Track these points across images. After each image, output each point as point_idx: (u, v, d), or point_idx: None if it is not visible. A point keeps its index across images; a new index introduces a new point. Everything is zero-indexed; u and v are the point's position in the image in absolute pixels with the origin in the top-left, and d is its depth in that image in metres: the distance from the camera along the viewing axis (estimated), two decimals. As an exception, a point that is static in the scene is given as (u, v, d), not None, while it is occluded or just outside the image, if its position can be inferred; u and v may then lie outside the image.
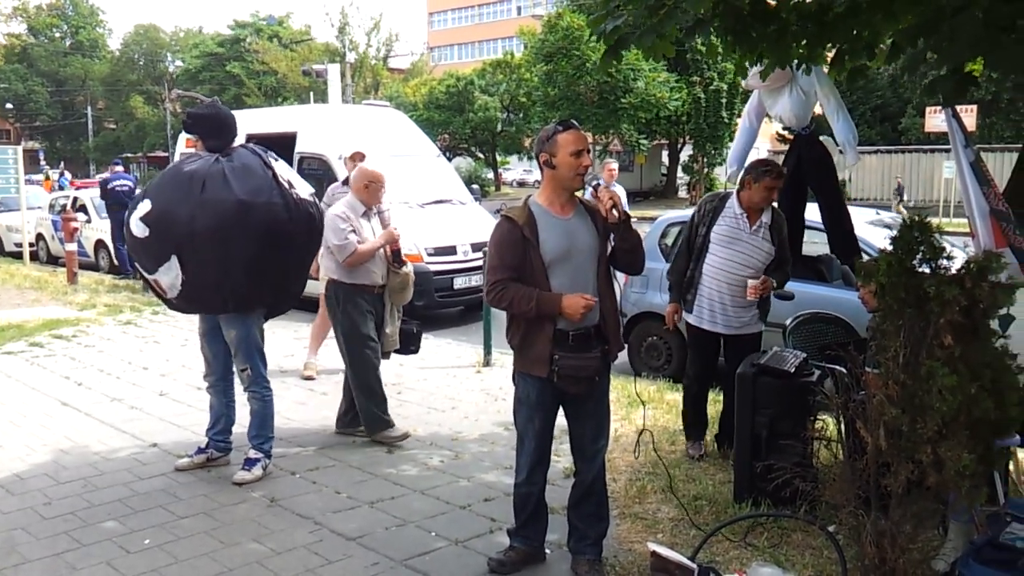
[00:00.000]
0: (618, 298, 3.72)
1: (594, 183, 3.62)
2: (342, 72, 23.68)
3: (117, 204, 13.25)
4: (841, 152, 5.43)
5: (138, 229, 4.34)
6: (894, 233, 3.32)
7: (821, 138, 5.51)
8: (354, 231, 5.33)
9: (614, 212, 3.48)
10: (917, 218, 3.26)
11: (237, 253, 4.43)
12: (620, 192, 9.67)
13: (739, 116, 34.68)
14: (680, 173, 38.55)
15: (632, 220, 3.70)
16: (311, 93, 43.41)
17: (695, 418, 5.34)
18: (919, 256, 3.22)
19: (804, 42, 3.99)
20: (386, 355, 5.65)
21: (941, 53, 3.55)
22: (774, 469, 3.86)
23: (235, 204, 4.37)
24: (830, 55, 4.29)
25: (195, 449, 4.99)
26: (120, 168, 14.87)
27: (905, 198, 27.38)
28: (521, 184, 50.70)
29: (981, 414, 3.03)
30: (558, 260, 3.51)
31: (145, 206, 4.36)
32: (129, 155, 63.80)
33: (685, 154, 37.48)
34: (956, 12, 3.55)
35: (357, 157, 7.37)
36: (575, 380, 3.52)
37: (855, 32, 3.89)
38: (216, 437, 4.97)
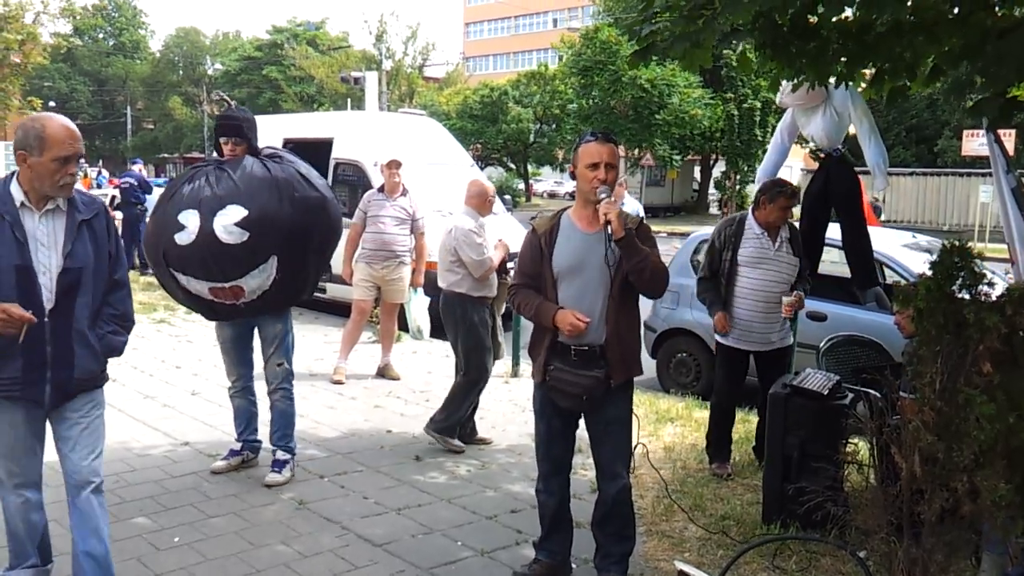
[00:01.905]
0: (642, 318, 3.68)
1: (601, 196, 3.45)
2: (379, 80, 23.88)
3: (124, 201, 13.63)
4: (870, 175, 5.44)
5: (232, 235, 4.26)
6: (933, 258, 3.29)
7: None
8: (485, 246, 5.45)
9: (609, 228, 3.38)
10: (958, 243, 3.23)
11: (321, 249, 4.72)
12: (633, 207, 9.54)
13: (772, 133, 34.43)
14: (712, 189, 38.39)
15: (655, 235, 3.65)
16: (348, 100, 43.89)
17: (720, 438, 5.33)
18: (959, 282, 3.20)
19: (844, 60, 3.96)
20: (499, 356, 5.83)
21: (987, 76, 3.52)
22: (805, 492, 3.84)
23: (320, 201, 4.62)
24: (869, 74, 4.26)
25: (228, 452, 5.02)
26: (136, 167, 15.13)
27: (884, 217, 26.85)
28: (552, 195, 50.75)
29: (1019, 444, 2.99)
30: (567, 274, 3.52)
31: (238, 211, 4.28)
32: (166, 155, 64.82)
33: (718, 170, 37.34)
34: (1002, 34, 3.52)
35: (393, 165, 7.42)
36: (563, 394, 3.53)
37: (896, 52, 3.86)
38: (250, 438, 5.02)
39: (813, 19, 3.74)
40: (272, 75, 54.39)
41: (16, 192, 2.98)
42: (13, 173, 3.03)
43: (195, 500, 4.46)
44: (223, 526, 4.15)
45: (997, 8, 3.78)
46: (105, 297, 3.17)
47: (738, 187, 35.12)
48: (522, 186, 45.53)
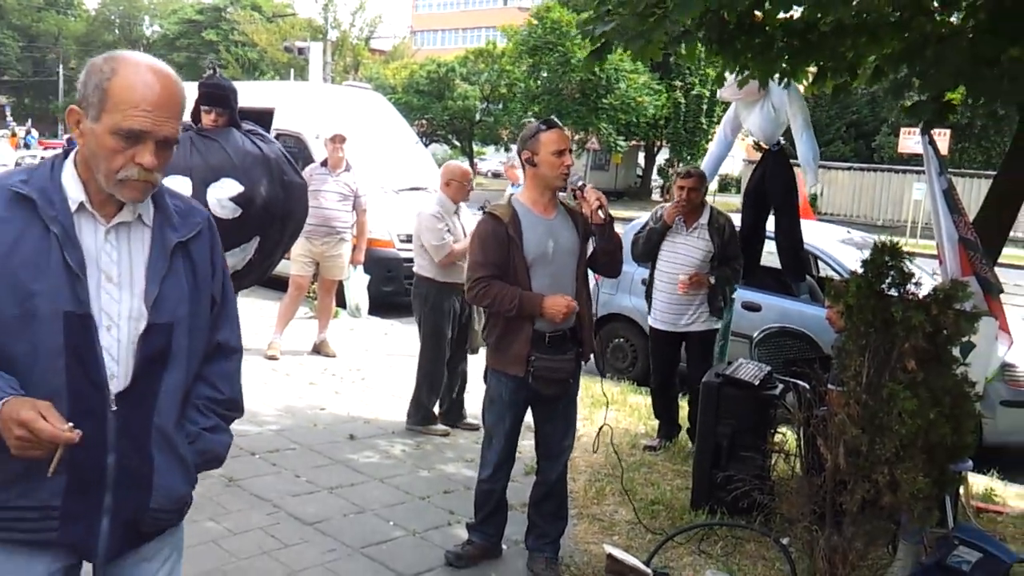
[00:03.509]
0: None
1: (579, 184, 3.59)
2: (324, 50, 23.45)
3: None
4: (803, 172, 5.59)
5: (225, 210, 4.09)
6: (865, 256, 3.38)
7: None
8: (449, 230, 5.35)
9: (600, 213, 3.47)
10: (889, 242, 3.32)
11: (294, 235, 4.65)
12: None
13: (717, 123, 34.93)
14: (655, 175, 38.76)
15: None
16: (291, 70, 43.01)
17: (659, 415, 5.66)
18: (888, 280, 3.29)
19: (788, 58, 4.04)
20: (474, 351, 5.61)
21: (925, 79, 3.62)
22: (733, 479, 3.93)
23: (303, 188, 4.55)
24: (812, 71, 4.34)
25: None
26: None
27: (819, 210, 27.64)
28: (496, 175, 50.63)
29: (938, 439, 3.11)
30: (540, 260, 3.51)
31: (234, 186, 4.13)
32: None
33: (662, 157, 37.69)
34: (940, 40, 3.61)
35: (338, 139, 7.32)
36: (549, 382, 3.53)
37: (839, 52, 3.94)
38: None
39: (759, 15, 3.79)
40: (212, 39, 52.98)
41: (71, 185, 1.74)
42: (66, 152, 1.82)
43: (121, 475, 4.36)
44: (149, 503, 4.06)
45: (937, 15, 3.88)
46: (203, 369, 1.91)
47: (680, 174, 35.55)
48: (467, 165, 45.33)
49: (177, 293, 1.81)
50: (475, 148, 46.48)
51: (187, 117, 4.71)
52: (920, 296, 3.21)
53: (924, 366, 3.16)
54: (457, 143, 45.13)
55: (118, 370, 1.73)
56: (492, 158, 54.42)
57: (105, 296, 1.72)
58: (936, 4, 3.86)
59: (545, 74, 32.24)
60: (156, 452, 1.79)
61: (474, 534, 3.79)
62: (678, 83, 32.90)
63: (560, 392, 3.61)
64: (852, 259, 6.86)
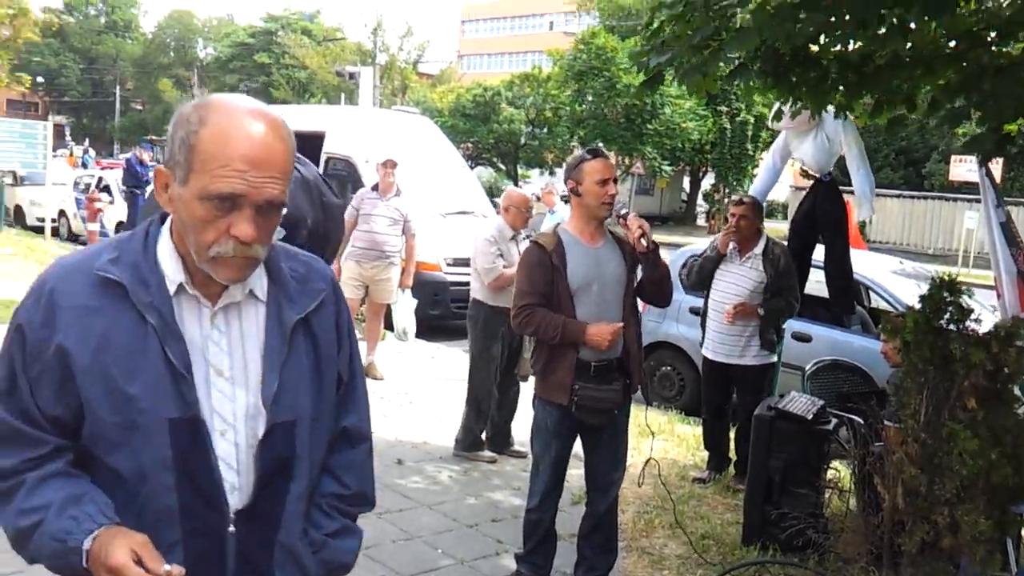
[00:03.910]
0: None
1: (623, 211, 3.59)
2: (373, 75, 23.84)
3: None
4: (857, 204, 5.53)
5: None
6: (922, 290, 3.34)
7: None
8: (501, 255, 5.41)
9: (643, 241, 3.46)
10: (947, 278, 3.28)
11: (332, 253, 4.64)
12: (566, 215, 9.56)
13: (764, 149, 34.79)
14: (700, 200, 38.55)
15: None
16: (341, 93, 43.70)
17: (709, 447, 5.59)
18: (947, 316, 3.24)
19: (843, 90, 4.01)
20: (524, 378, 5.60)
21: (984, 111, 3.58)
22: (786, 516, 3.88)
23: (341, 208, 4.62)
24: (868, 103, 4.31)
25: None
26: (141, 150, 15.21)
27: (869, 238, 27.19)
28: (538, 199, 50.77)
29: (1000, 480, 3.04)
30: (584, 289, 3.51)
31: None
32: (154, 137, 64.31)
33: (707, 182, 37.50)
34: (999, 71, 3.57)
35: (389, 165, 7.41)
36: (593, 411, 3.51)
37: (895, 84, 3.91)
38: None
39: (814, 48, 3.78)
40: (264, 61, 54.15)
41: (168, 262, 1.45)
42: (156, 220, 1.51)
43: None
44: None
45: (994, 45, 3.84)
46: (327, 459, 1.63)
47: (726, 200, 35.29)
48: (511, 187, 45.53)
49: (299, 382, 1.50)
50: (520, 171, 46.69)
51: None
52: (980, 332, 3.16)
53: (984, 405, 3.10)
54: (502, 166, 45.38)
55: (239, 481, 1.46)
56: (536, 181, 54.59)
57: (216, 395, 1.44)
58: (993, 35, 3.81)
59: (590, 98, 32.35)
60: (278, 572, 1.52)
61: (523, 565, 3.78)
62: (724, 108, 32.76)
63: (604, 422, 3.57)
64: (905, 290, 6.76)
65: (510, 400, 5.64)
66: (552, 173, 48.81)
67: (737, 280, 5.25)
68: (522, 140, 41.86)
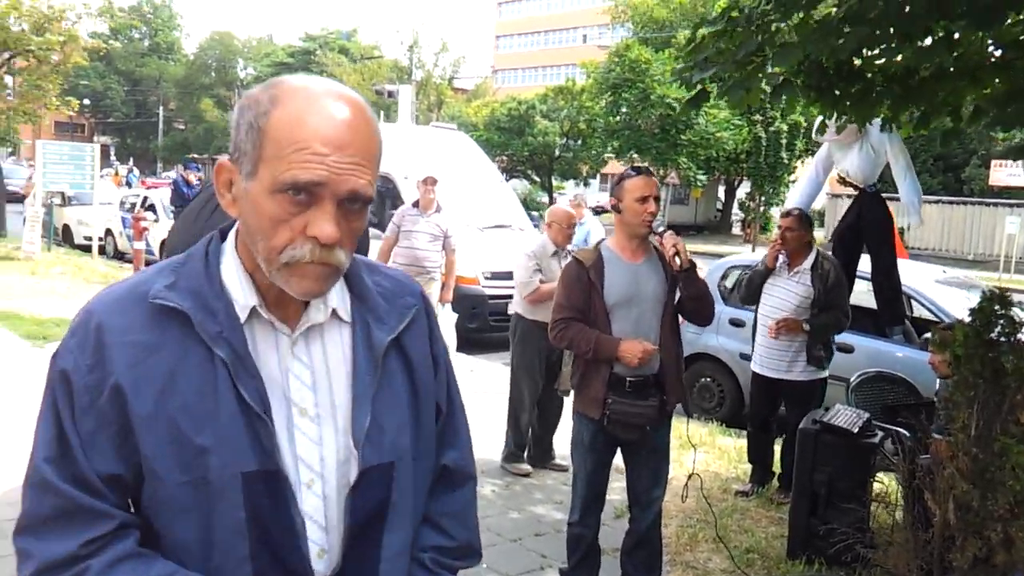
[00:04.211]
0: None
1: (659, 229, 3.57)
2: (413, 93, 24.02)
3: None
4: (905, 214, 5.48)
5: None
6: (972, 304, 3.31)
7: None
8: (539, 269, 5.48)
9: (676, 260, 3.46)
10: (998, 291, 3.24)
11: None
12: (597, 231, 9.45)
13: (799, 157, 34.48)
14: (735, 209, 38.31)
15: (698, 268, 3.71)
16: (380, 112, 44.11)
17: (754, 460, 5.56)
18: (998, 329, 3.20)
19: (887, 103, 3.99)
20: (565, 392, 5.65)
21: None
22: (833, 531, 3.84)
23: (367, 223, 4.68)
24: (913, 114, 4.28)
25: None
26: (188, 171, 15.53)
27: (908, 245, 26.73)
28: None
29: (1055, 495, 3.00)
30: (621, 305, 3.52)
31: None
32: (196, 156, 65.46)
33: (742, 191, 37.26)
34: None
35: (430, 182, 7.50)
36: (626, 427, 3.51)
37: (940, 96, 3.89)
38: None
39: (857, 62, 3.77)
40: (303, 81, 54.95)
41: (235, 282, 1.22)
42: (215, 236, 1.28)
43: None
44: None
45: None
46: (427, 505, 1.37)
47: (762, 208, 35.02)
48: (546, 199, 45.66)
49: (396, 415, 1.26)
50: (555, 183, 46.80)
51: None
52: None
53: (1038, 419, 3.06)
54: (537, 178, 45.53)
55: (328, 541, 1.21)
56: (571, 192, 54.68)
57: (301, 439, 1.19)
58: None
59: (624, 110, 32.33)
60: None
61: (568, 580, 3.79)
62: (758, 118, 32.56)
63: (637, 438, 3.56)
64: (949, 300, 6.68)
65: (552, 414, 5.66)
66: (587, 184, 48.96)
67: (784, 295, 5.19)
68: (556, 152, 42.00)
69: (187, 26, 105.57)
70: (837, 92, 3.74)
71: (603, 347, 3.45)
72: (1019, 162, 27.95)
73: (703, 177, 33.50)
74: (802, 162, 35.22)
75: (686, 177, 32.87)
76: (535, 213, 14.65)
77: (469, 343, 9.17)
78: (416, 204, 7.58)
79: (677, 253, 3.45)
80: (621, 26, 43.09)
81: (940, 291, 6.81)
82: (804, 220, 5.21)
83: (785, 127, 32.04)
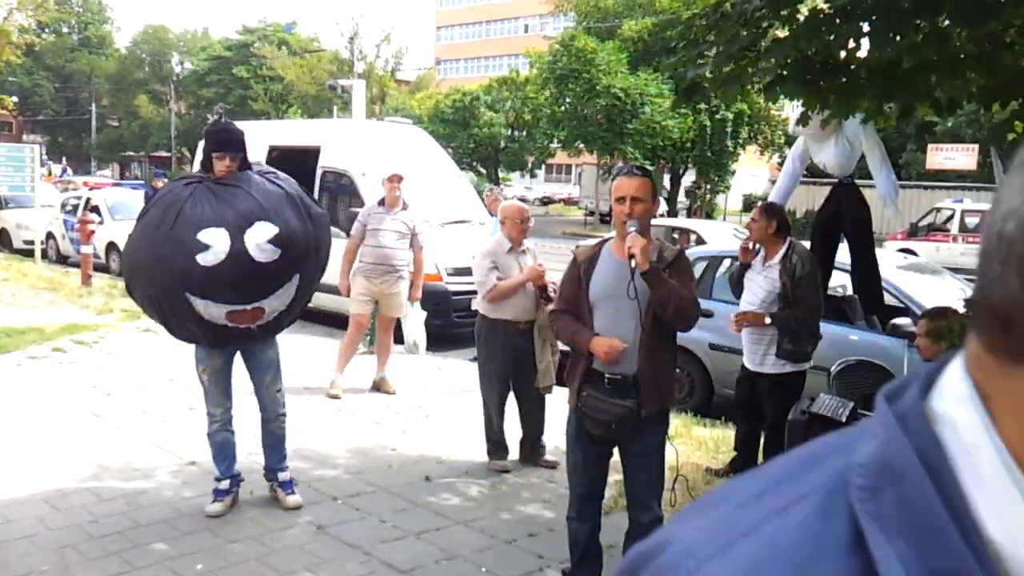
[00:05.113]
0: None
1: (631, 229, 3.46)
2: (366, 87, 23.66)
3: None
4: (883, 204, 5.56)
5: (265, 253, 4.12)
6: (931, 283, 3.36)
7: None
8: (495, 267, 5.41)
9: (632, 261, 3.38)
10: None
11: (325, 267, 4.73)
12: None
13: (743, 145, 35.03)
14: (682, 197, 38.73)
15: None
16: (319, 102, 43.50)
17: (736, 447, 5.65)
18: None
19: (871, 95, 4.04)
20: (547, 389, 5.57)
21: None
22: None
23: (327, 218, 4.66)
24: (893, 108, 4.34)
25: (216, 492, 4.60)
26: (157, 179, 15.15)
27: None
28: (522, 200, 50.74)
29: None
30: (601, 301, 3.55)
31: (270, 228, 4.16)
32: (131, 154, 63.73)
33: (688, 179, 37.69)
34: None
35: (395, 179, 7.39)
36: (594, 422, 3.54)
37: (922, 89, 3.94)
38: (235, 473, 4.69)
39: (842, 55, 3.81)
40: (241, 75, 53.89)
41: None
42: (923, 425, 0.52)
43: (211, 524, 4.38)
44: (244, 552, 4.09)
45: (1016, 46, 3.88)
46: None
47: (708, 196, 35.50)
48: (508, 201, 45.52)
49: None
50: (501, 175, 46.78)
51: (196, 166, 4.59)
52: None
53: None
54: (483, 170, 45.45)
55: None
56: (518, 184, 54.71)
57: None
58: (1018, 36, 3.85)
59: (569, 100, 32.37)
60: None
61: (571, 580, 3.77)
62: (703, 106, 32.94)
63: (604, 434, 3.56)
64: (912, 285, 6.83)
65: (534, 412, 5.63)
66: (533, 176, 49.02)
67: (754, 288, 5.24)
68: (502, 144, 41.96)
69: (118, 19, 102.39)
70: (822, 84, 3.77)
71: (579, 340, 3.56)
72: (954, 146, 28.91)
73: (649, 166, 33.76)
74: (745, 150, 35.81)
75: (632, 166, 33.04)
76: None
77: (434, 340, 9.08)
78: (382, 202, 7.46)
79: (632, 256, 3.38)
80: (564, 15, 43.14)
81: (903, 277, 6.95)
82: (767, 211, 5.20)
83: (730, 115, 32.44)
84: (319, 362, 8.26)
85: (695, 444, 6.26)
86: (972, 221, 19.34)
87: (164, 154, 57.91)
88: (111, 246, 14.88)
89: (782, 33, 3.35)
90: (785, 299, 5.10)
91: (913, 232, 19.64)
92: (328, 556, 4.10)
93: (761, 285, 5.18)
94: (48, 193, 18.76)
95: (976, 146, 27.53)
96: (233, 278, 4.10)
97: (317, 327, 9.87)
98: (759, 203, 5.34)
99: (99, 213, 14.97)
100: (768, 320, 5.11)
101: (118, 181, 41.59)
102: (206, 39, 63.56)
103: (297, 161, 10.32)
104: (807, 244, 5.58)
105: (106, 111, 64.33)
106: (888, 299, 6.90)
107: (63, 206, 16.70)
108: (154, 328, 9.61)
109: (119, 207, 15.59)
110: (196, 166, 4.46)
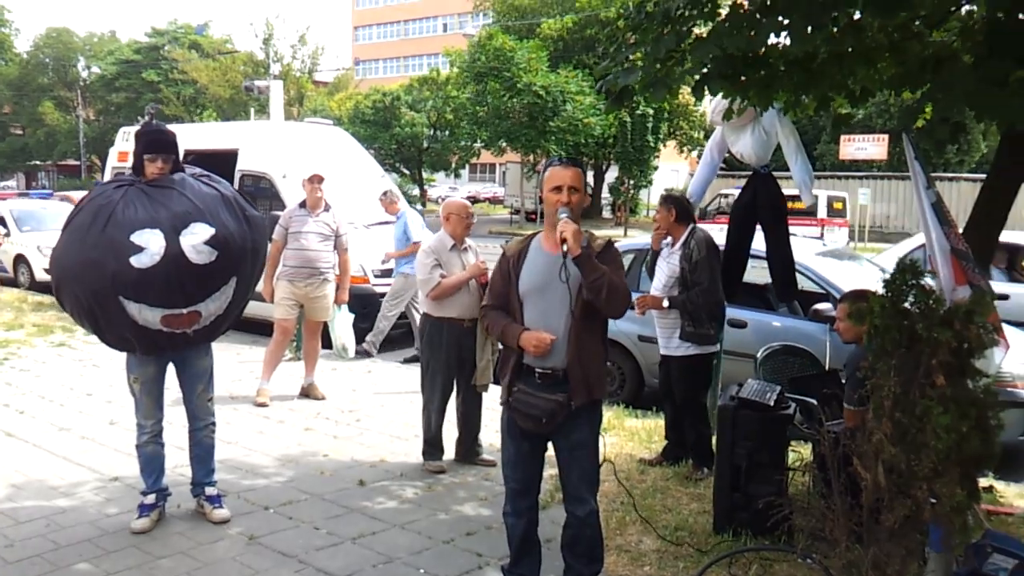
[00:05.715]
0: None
1: (561, 216, 3.45)
2: (283, 88, 23.16)
3: None
4: (797, 192, 5.70)
5: (202, 255, 4.01)
6: (886, 276, 3.46)
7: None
8: (438, 265, 5.35)
9: (564, 246, 3.36)
10: (909, 262, 3.41)
11: (260, 268, 4.62)
12: (417, 222, 9.35)
13: (663, 141, 35.62)
14: (605, 193, 39.17)
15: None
16: (234, 104, 42.53)
17: (666, 436, 5.76)
18: (910, 298, 3.37)
19: (789, 87, 4.13)
20: (484, 387, 5.55)
21: (936, 103, 3.74)
22: (755, 501, 3.97)
23: (263, 220, 4.57)
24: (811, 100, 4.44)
25: (142, 507, 4.46)
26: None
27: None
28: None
29: (971, 451, 3.18)
30: (531, 294, 3.54)
31: (206, 230, 4.05)
32: (38, 163, 61.15)
33: (611, 175, 38.13)
34: (939, 63, 3.74)
35: (316, 180, 7.25)
36: (523, 416, 3.52)
37: (838, 80, 4.05)
38: (162, 487, 4.56)
39: (761, 50, 3.88)
40: (152, 78, 52.32)
41: None
42: None
43: (138, 541, 4.21)
44: (174, 568, 3.94)
45: (925, 37, 4.02)
46: None
47: (631, 192, 35.96)
48: (417, 192, 45.33)
49: None
50: (425, 175, 46.52)
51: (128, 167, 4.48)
52: (942, 312, 3.30)
53: (951, 380, 3.24)
54: (406, 171, 45.12)
55: None
56: (442, 183, 54.51)
57: None
58: (923, 27, 3.99)
59: (491, 99, 32.38)
60: None
61: (510, 576, 3.75)
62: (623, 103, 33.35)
63: (535, 428, 3.54)
64: (830, 271, 7.03)
65: (472, 410, 5.60)
66: (457, 175, 48.88)
67: (659, 273, 5.52)
68: (425, 144, 41.73)
69: (17, 22, 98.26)
70: (743, 77, 3.83)
71: (508, 334, 3.54)
72: (865, 136, 29.93)
73: (573, 163, 33.98)
74: (666, 145, 36.40)
75: (556, 163, 33.23)
76: (419, 207, 14.48)
77: (363, 343, 8.97)
78: (303, 204, 7.32)
79: (564, 240, 3.36)
80: (483, 14, 43.16)
81: (822, 263, 7.14)
82: (667, 201, 5.47)
83: (651, 111, 32.92)
84: (245, 370, 8.08)
85: (628, 435, 6.32)
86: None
87: (73, 162, 55.86)
88: (19, 259, 14.26)
89: (704, 31, 3.40)
90: (684, 283, 5.34)
91: (703, 215, 20.98)
92: (262, 567, 3.99)
93: (664, 270, 5.46)
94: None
95: (886, 136, 28.59)
96: (169, 281, 3.97)
97: (242, 334, 9.63)
98: (662, 195, 5.50)
99: (5, 225, 14.34)
100: (666, 303, 5.34)
101: (23, 191, 39.98)
102: (113, 42, 61.37)
103: (214, 165, 9.99)
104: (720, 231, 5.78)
105: (8, 119, 61.51)
106: (808, 285, 7.10)
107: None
108: (68, 343, 9.26)
109: (26, 218, 14.97)
110: (107, 174, 4.30)
